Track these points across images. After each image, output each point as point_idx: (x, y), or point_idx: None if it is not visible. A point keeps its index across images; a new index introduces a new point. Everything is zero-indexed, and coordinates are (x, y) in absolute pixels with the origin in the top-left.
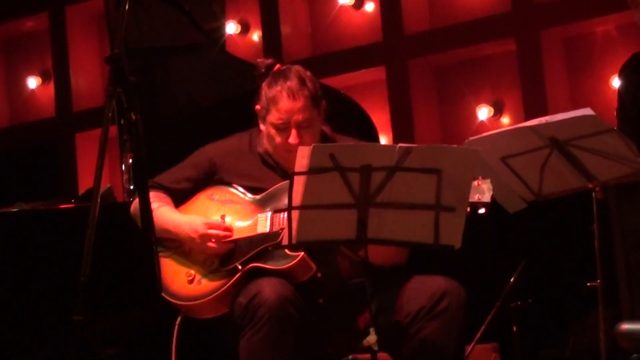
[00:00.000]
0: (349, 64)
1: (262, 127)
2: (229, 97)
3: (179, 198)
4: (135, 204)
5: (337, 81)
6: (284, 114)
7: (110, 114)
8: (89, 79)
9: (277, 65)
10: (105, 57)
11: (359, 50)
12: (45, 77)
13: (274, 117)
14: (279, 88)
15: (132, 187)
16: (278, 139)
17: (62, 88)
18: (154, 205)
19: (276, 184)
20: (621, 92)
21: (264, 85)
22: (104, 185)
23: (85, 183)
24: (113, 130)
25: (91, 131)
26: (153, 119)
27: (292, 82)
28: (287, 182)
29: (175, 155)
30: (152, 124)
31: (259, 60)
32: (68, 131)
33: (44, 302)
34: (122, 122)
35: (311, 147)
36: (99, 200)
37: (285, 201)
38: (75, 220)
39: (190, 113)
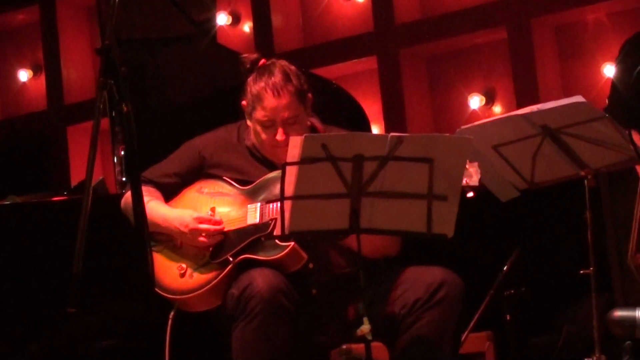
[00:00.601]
0: (340, 55)
1: (248, 122)
2: (220, 88)
3: (169, 192)
4: (126, 199)
5: (328, 71)
6: (269, 111)
7: (101, 106)
8: (80, 71)
9: (262, 60)
10: (96, 49)
11: (350, 40)
12: (36, 70)
13: (259, 114)
14: (263, 84)
15: (124, 179)
16: (264, 136)
17: (53, 81)
18: (144, 199)
19: (264, 176)
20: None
21: (249, 81)
22: (96, 177)
23: (77, 175)
24: (105, 122)
25: (83, 123)
26: (144, 111)
27: (277, 78)
28: (276, 172)
29: (167, 147)
30: (143, 116)
31: (244, 55)
32: (59, 124)
33: (37, 295)
34: (113, 114)
35: (303, 137)
36: (91, 192)
37: (275, 191)
38: (68, 213)
39: (181, 104)
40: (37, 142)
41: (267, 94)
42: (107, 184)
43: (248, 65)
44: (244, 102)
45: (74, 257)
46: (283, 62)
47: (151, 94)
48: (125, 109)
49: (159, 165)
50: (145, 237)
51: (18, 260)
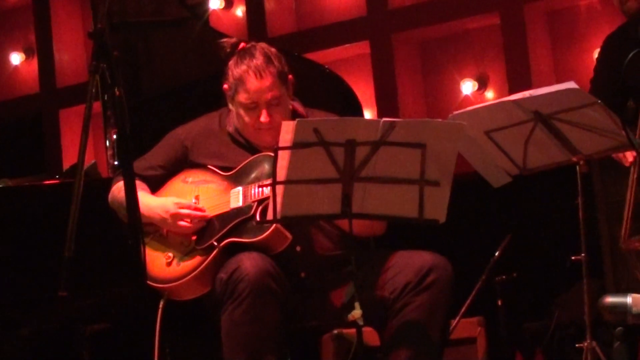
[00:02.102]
0: (333, 39)
1: (230, 106)
2: (213, 72)
3: (155, 184)
4: (112, 193)
5: (321, 56)
6: (252, 94)
7: (93, 90)
8: (72, 54)
9: (242, 44)
10: (89, 32)
11: (343, 25)
12: (28, 53)
13: (242, 97)
14: (244, 67)
15: (116, 163)
16: (247, 119)
17: (45, 64)
18: None
19: (246, 160)
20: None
21: (230, 64)
22: (88, 160)
23: (69, 159)
24: (97, 105)
25: (75, 107)
26: (137, 94)
27: (258, 61)
28: (258, 155)
29: (160, 131)
30: (135, 99)
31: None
32: (52, 107)
33: (28, 279)
34: (105, 97)
35: (295, 122)
36: (83, 175)
37: (257, 174)
38: (60, 196)
39: (173, 88)
40: (30, 125)
41: (249, 77)
42: (99, 167)
43: (228, 50)
44: (225, 86)
45: (65, 240)
46: (263, 45)
47: (143, 77)
48: (117, 93)
49: (143, 158)
50: (137, 222)
51: (9, 243)
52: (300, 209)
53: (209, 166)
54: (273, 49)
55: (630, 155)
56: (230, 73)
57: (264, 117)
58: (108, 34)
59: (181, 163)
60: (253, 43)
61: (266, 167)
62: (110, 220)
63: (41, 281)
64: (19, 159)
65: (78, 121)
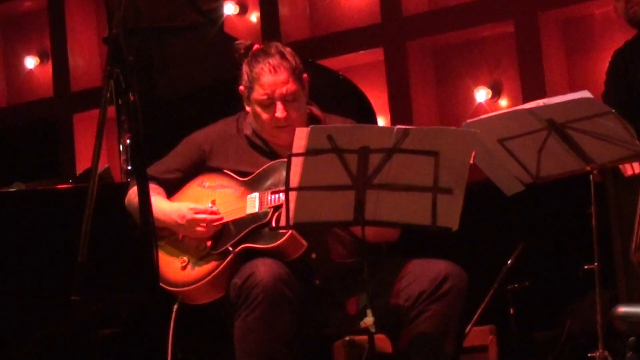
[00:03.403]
0: (347, 46)
1: (247, 107)
2: (227, 78)
3: (171, 188)
4: (128, 196)
5: (335, 62)
6: (267, 88)
7: (108, 95)
8: (87, 59)
9: (256, 46)
10: (104, 37)
11: (357, 31)
12: (43, 57)
13: (258, 93)
14: (260, 65)
15: (129, 168)
16: (264, 116)
17: (60, 68)
18: None
19: (264, 166)
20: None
21: (245, 64)
22: (102, 165)
23: (83, 163)
24: (111, 110)
25: (89, 111)
26: (151, 100)
27: (273, 57)
28: (275, 162)
29: (173, 136)
30: (150, 105)
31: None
32: (66, 111)
33: (41, 282)
34: (120, 102)
35: (309, 128)
36: (97, 180)
37: (274, 180)
38: (73, 201)
39: (188, 94)
40: (43, 129)
41: (264, 72)
42: (112, 172)
43: (242, 51)
44: (241, 88)
45: (78, 245)
46: (277, 43)
47: (158, 83)
48: (131, 97)
49: (161, 162)
50: (150, 226)
51: (23, 247)
52: (313, 216)
53: (226, 171)
54: (288, 48)
55: (629, 169)
56: (245, 73)
57: (279, 112)
58: (123, 39)
59: (198, 167)
60: (267, 42)
61: (283, 173)
62: (123, 224)
63: (54, 285)
64: (33, 163)
65: (92, 126)
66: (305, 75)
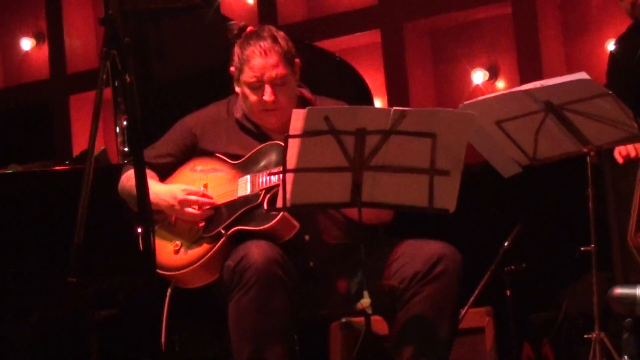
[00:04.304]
0: (344, 27)
1: (237, 89)
2: (224, 60)
3: (164, 172)
4: (122, 182)
5: (332, 44)
6: (257, 71)
7: (104, 76)
8: (83, 40)
9: (250, 28)
10: (100, 19)
11: (354, 13)
12: (39, 39)
13: (247, 75)
14: (251, 47)
15: (126, 149)
16: (252, 98)
17: (56, 50)
18: None
19: (255, 148)
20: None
21: (236, 46)
22: (98, 147)
23: (79, 145)
24: (107, 92)
25: (85, 93)
26: (147, 81)
27: (265, 40)
28: (266, 144)
29: (170, 118)
30: (146, 86)
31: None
32: (62, 93)
33: (38, 264)
34: (116, 84)
35: (306, 110)
36: (93, 162)
37: (266, 162)
38: (70, 182)
39: (184, 75)
40: (40, 111)
41: (254, 55)
42: (109, 154)
43: (235, 32)
44: (232, 68)
45: (75, 226)
46: (270, 27)
47: (154, 64)
48: (128, 79)
49: (152, 147)
50: (147, 208)
51: (19, 229)
52: (310, 197)
53: (218, 154)
54: (281, 32)
55: (619, 156)
56: (236, 54)
57: (267, 96)
58: (119, 21)
59: (190, 151)
60: (260, 25)
61: (274, 155)
62: (120, 206)
63: (50, 267)
64: (29, 145)
65: (88, 107)
66: (297, 60)
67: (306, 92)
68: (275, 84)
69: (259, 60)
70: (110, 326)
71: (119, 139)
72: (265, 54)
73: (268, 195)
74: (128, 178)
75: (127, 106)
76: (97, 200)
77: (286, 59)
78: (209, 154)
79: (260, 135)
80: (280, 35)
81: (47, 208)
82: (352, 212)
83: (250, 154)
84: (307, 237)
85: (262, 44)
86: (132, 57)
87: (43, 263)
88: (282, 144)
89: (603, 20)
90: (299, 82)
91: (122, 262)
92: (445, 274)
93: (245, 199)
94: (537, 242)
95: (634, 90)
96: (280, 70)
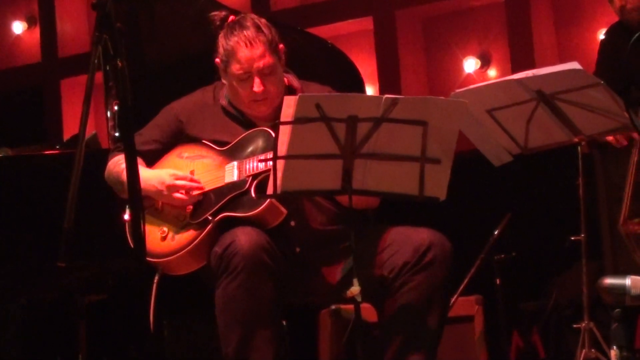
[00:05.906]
0: (336, 14)
1: (223, 80)
2: (215, 45)
3: (150, 159)
4: (108, 169)
5: (324, 31)
6: (244, 63)
7: (96, 61)
8: (75, 24)
9: (231, 17)
10: (92, 3)
11: (347, 0)
12: (31, 22)
13: (234, 68)
14: (235, 38)
15: (116, 134)
16: (242, 90)
17: (47, 33)
18: (124, 165)
19: (241, 135)
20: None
21: (220, 37)
22: (89, 131)
23: (70, 129)
24: (99, 76)
25: (77, 77)
26: (139, 66)
27: (249, 30)
28: (252, 131)
29: (161, 103)
30: (138, 72)
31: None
32: (53, 77)
33: (27, 248)
34: (107, 68)
35: (297, 96)
36: (84, 146)
37: (252, 149)
38: (60, 167)
39: (176, 60)
40: (31, 95)
41: (240, 47)
42: (100, 138)
43: (218, 23)
44: (217, 60)
45: (65, 211)
46: (253, 15)
47: (146, 49)
48: (119, 64)
49: (139, 133)
50: (137, 193)
51: (8, 213)
52: (301, 184)
53: (204, 141)
54: (263, 20)
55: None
56: (221, 46)
57: (257, 87)
58: (111, 5)
59: (177, 137)
60: (242, 14)
61: (261, 142)
62: (110, 191)
63: (40, 251)
64: (20, 129)
65: (79, 91)
66: (281, 45)
67: (293, 80)
68: (264, 74)
69: (245, 52)
70: (99, 311)
71: (110, 124)
72: (251, 44)
73: (255, 182)
74: (115, 164)
75: (119, 91)
76: (87, 185)
77: (271, 47)
78: (195, 140)
79: (245, 122)
80: (263, 22)
81: (37, 192)
82: (343, 197)
83: (236, 140)
84: (292, 223)
85: (246, 33)
86: (124, 42)
87: (32, 247)
88: (269, 130)
89: (595, 10)
90: (287, 68)
91: (111, 247)
92: (435, 262)
93: (232, 186)
94: (528, 231)
95: (623, 80)
96: (268, 60)
